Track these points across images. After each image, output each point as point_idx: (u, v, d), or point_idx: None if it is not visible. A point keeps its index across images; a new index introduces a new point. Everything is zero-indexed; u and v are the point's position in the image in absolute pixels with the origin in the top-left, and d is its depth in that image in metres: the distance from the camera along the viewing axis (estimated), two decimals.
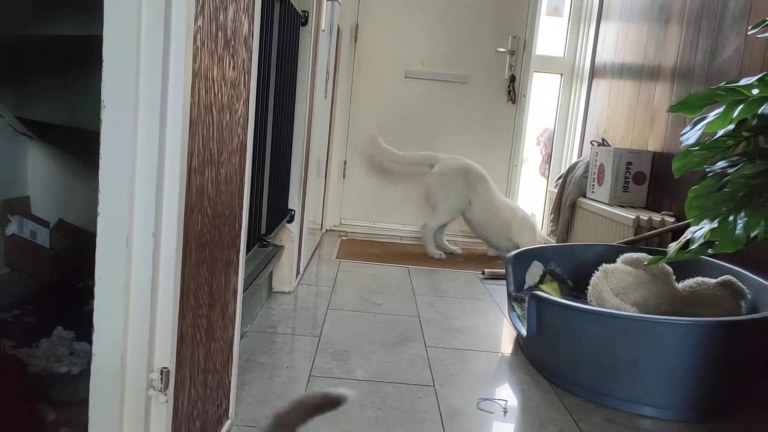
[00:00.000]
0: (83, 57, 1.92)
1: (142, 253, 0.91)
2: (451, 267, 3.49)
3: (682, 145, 1.53)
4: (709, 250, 1.46)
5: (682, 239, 1.47)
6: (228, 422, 1.48)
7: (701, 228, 1.42)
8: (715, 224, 1.38)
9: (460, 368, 2.00)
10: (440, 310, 2.64)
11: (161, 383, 0.96)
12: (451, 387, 1.85)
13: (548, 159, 4.49)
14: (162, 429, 0.98)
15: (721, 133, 1.44)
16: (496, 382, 1.93)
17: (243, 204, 1.43)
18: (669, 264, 2.13)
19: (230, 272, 1.38)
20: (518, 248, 3.26)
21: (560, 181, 3.78)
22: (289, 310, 2.46)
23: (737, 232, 1.33)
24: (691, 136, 1.51)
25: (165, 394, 0.97)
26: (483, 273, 3.33)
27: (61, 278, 2.35)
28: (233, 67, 1.23)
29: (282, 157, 2.45)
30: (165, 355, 0.97)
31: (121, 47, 0.86)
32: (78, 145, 2.48)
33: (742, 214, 1.36)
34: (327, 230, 4.28)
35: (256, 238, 2.09)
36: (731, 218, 1.37)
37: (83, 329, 1.74)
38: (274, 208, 2.36)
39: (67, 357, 1.70)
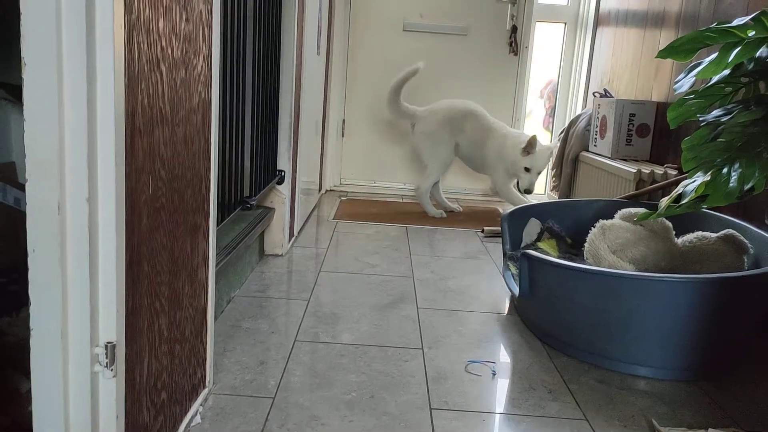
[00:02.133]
0: None
1: (76, 220, 0.85)
2: (450, 225, 3.43)
3: (676, 93, 1.44)
4: (703, 205, 1.39)
5: (674, 193, 1.39)
6: (205, 391, 1.45)
7: (693, 181, 1.34)
8: (707, 177, 1.30)
9: (451, 330, 1.95)
10: (436, 270, 2.58)
11: (107, 358, 0.91)
12: (440, 349, 1.80)
13: (552, 112, 4.37)
14: (111, 405, 0.93)
15: (716, 79, 1.35)
16: (487, 344, 1.88)
17: (210, 166, 1.37)
18: (667, 219, 2.06)
19: (197, 237, 1.32)
20: (513, 174, 3.42)
21: (562, 134, 3.68)
22: (281, 273, 2.42)
23: (731, 184, 1.25)
24: (684, 83, 1.42)
25: (112, 370, 0.92)
26: (482, 231, 3.27)
27: None
28: (186, 20, 1.15)
29: (267, 116, 2.37)
30: (110, 328, 0.91)
31: None
32: None
33: (737, 165, 1.27)
34: (326, 190, 4.22)
35: (237, 201, 2.03)
36: (725, 170, 1.28)
37: None
38: (259, 170, 2.29)
39: None
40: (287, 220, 2.66)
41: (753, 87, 1.48)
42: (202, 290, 1.39)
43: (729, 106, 1.37)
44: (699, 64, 1.40)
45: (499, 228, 3.16)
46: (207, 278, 1.41)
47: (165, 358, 1.18)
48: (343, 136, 4.29)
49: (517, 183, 3.44)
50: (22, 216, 2.34)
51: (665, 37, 2.95)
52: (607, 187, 2.97)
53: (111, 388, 0.93)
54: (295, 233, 2.92)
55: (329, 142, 4.11)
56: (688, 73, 1.41)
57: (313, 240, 2.96)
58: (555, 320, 1.85)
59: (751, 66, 1.32)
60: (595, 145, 3.26)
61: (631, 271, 1.91)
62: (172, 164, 1.14)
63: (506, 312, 2.15)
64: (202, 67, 1.27)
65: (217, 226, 1.58)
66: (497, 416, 1.47)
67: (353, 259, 2.68)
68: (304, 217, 3.20)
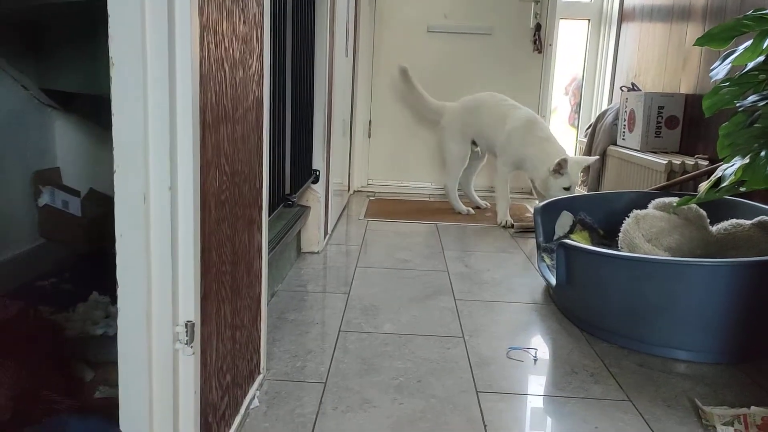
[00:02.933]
0: (98, 22, 1.92)
1: (161, 208, 0.92)
2: (479, 222, 3.47)
3: (712, 80, 1.48)
4: (741, 188, 1.42)
5: (713, 178, 1.43)
6: (260, 377, 1.51)
7: (732, 165, 1.38)
8: (746, 160, 1.34)
9: (489, 319, 2.00)
10: (469, 264, 2.63)
11: (186, 336, 0.97)
12: (481, 338, 1.85)
13: (577, 108, 4.39)
14: (190, 382, 1.00)
15: (751, 65, 1.38)
16: (526, 332, 1.93)
17: (263, 162, 1.43)
18: (700, 204, 2.09)
19: (253, 230, 1.39)
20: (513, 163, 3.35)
21: (589, 130, 3.70)
22: (318, 269, 2.48)
23: None
24: (720, 70, 1.45)
25: (191, 347, 0.98)
26: (512, 226, 3.30)
27: (95, 246, 2.40)
28: (244, 22, 1.22)
29: (303, 116, 2.44)
30: (189, 308, 0.98)
31: (126, 2, 0.85)
32: (103, 114, 2.49)
33: None
34: (354, 191, 4.28)
35: (280, 198, 2.09)
36: (762, 153, 1.32)
37: None
38: (297, 169, 2.36)
39: (103, 319, 1.74)
40: (323, 218, 2.72)
41: None
42: (257, 280, 1.45)
43: (765, 92, 1.41)
44: (734, 51, 1.44)
45: (529, 223, 3.20)
46: (261, 269, 1.48)
47: (229, 342, 1.24)
48: (369, 136, 4.35)
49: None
50: (69, 218, 2.43)
51: (692, 31, 2.98)
52: (637, 179, 3.00)
53: (190, 365, 0.99)
54: (330, 231, 2.98)
55: (356, 143, 4.18)
56: (724, 60, 1.45)
57: (347, 238, 3.02)
58: (593, 307, 1.89)
59: None
60: (623, 139, 3.29)
61: (667, 257, 1.94)
62: (233, 160, 1.20)
63: (543, 302, 2.19)
64: (256, 66, 1.34)
65: None
66: (542, 398, 1.51)
67: (387, 255, 2.73)
68: (336, 217, 3.26)
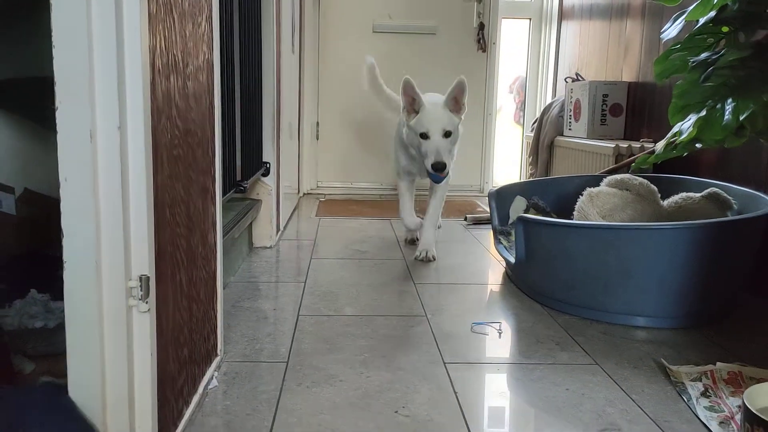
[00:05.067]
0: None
1: (109, 148, 0.85)
2: None
3: (663, 41, 1.50)
4: (697, 145, 1.44)
5: (669, 134, 1.44)
6: (218, 359, 1.43)
7: (688, 120, 1.39)
8: (702, 113, 1.35)
9: (451, 300, 1.97)
10: None
11: (141, 291, 0.90)
12: (443, 315, 1.81)
13: (522, 106, 4.46)
14: (146, 341, 0.92)
15: (703, 21, 1.40)
16: (488, 310, 1.90)
17: (215, 130, 1.37)
18: (651, 180, 2.12)
19: (207, 200, 1.32)
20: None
21: (536, 123, 3.75)
22: (272, 262, 2.40)
23: (726, 117, 1.30)
24: (671, 30, 1.47)
25: (146, 303, 0.91)
26: (465, 219, 3.30)
27: (31, 246, 2.26)
28: None
29: (253, 107, 2.37)
30: (143, 262, 0.91)
31: None
32: (38, 107, 2.36)
33: (730, 100, 1.33)
34: (304, 194, 4.21)
35: (231, 183, 2.02)
36: (719, 106, 1.33)
37: (58, 292, 1.67)
38: (248, 158, 2.29)
39: (43, 313, 1.63)
40: (274, 212, 2.65)
41: (733, 37, 1.54)
42: (212, 255, 1.38)
43: (717, 50, 1.43)
44: (683, 12, 1.46)
45: (481, 215, 3.20)
46: (216, 244, 1.41)
47: (186, 313, 1.17)
48: (317, 138, 4.30)
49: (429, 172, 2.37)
50: (2, 216, 2.28)
51: (632, 24, 3.05)
52: (586, 166, 3.04)
53: (145, 323, 0.92)
54: (282, 228, 2.91)
55: (304, 145, 4.11)
56: (674, 21, 1.46)
57: (299, 234, 2.95)
58: (554, 281, 1.89)
59: (736, 6, 1.38)
60: (570, 129, 3.34)
61: (624, 223, 1.96)
62: (186, 117, 1.14)
63: (502, 283, 2.18)
64: (205, 27, 1.28)
65: None
66: (510, 366, 1.48)
67: (342, 247, 2.68)
68: (287, 215, 3.19)
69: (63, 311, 1.58)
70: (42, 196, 2.50)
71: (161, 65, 0.99)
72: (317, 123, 4.28)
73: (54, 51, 0.82)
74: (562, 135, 3.45)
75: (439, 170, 2.25)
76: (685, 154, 1.48)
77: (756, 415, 1.07)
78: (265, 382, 1.36)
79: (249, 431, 1.16)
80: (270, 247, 2.61)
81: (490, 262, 2.46)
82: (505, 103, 4.55)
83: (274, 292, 2.05)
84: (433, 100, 2.37)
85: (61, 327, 1.32)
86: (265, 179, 2.59)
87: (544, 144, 3.56)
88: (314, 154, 4.29)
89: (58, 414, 0.88)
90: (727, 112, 1.29)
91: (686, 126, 1.36)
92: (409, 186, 2.64)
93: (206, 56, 1.29)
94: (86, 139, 0.83)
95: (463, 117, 2.36)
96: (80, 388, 0.90)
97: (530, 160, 3.81)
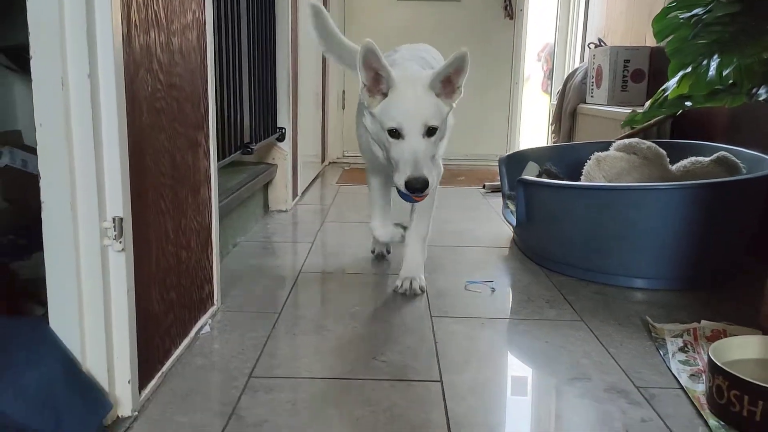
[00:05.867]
0: None
1: (80, 95, 0.90)
2: (451, 185, 3.47)
3: None
4: (687, 103, 1.43)
5: (658, 93, 1.44)
6: (213, 308, 1.50)
7: (675, 77, 1.38)
8: (688, 70, 1.34)
9: (450, 260, 2.00)
10: (437, 217, 2.62)
11: (115, 231, 0.96)
12: (439, 274, 1.85)
13: (550, 75, 4.40)
14: (122, 279, 0.99)
15: None
16: (486, 270, 1.93)
17: (208, 87, 1.42)
18: (660, 144, 2.10)
19: (198, 153, 1.38)
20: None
21: (560, 90, 3.71)
22: (285, 225, 2.47)
23: (710, 73, 1.30)
24: None
25: (120, 242, 0.97)
26: (484, 187, 3.31)
27: None
28: None
29: (265, 72, 2.42)
30: (116, 204, 0.97)
31: None
32: None
33: (716, 56, 1.31)
34: (330, 162, 4.26)
35: (237, 145, 2.08)
36: (704, 62, 1.32)
37: None
38: (259, 122, 2.34)
39: None
40: (290, 177, 2.71)
41: None
42: (205, 208, 1.44)
43: (708, 6, 1.41)
44: None
45: (498, 183, 3.20)
46: (210, 198, 1.47)
47: (172, 258, 1.23)
48: (343, 108, 4.34)
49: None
50: (29, 176, 2.40)
51: None
52: (606, 134, 3.00)
53: (120, 262, 0.98)
54: (299, 193, 2.97)
55: (330, 115, 4.16)
56: None
57: (317, 199, 3.02)
58: (552, 242, 1.90)
59: None
60: (591, 96, 3.29)
61: (622, 184, 1.95)
62: (170, 71, 1.19)
63: (506, 246, 2.20)
64: None
65: (218, 161, 1.62)
66: (496, 320, 1.52)
67: (355, 212, 2.72)
68: (307, 181, 3.25)
69: None
70: None
71: (138, 20, 1.04)
72: (343, 92, 4.31)
73: (27, 3, 0.88)
74: (584, 102, 3.41)
75: (416, 190, 1.41)
76: (678, 112, 1.47)
77: (719, 367, 1.08)
78: (255, 329, 1.42)
79: (231, 371, 1.22)
80: (285, 211, 2.67)
81: (499, 228, 2.47)
82: (533, 71, 4.49)
83: (281, 251, 2.11)
84: (411, 74, 1.55)
85: None
86: (280, 144, 2.65)
87: (566, 111, 3.52)
88: (340, 123, 4.33)
89: (39, 343, 0.95)
90: (711, 68, 1.28)
91: (672, 83, 1.36)
92: (384, 182, 1.89)
93: (196, 15, 1.33)
94: (58, 86, 0.89)
95: (455, 104, 1.53)
96: (59, 320, 0.97)
97: (553, 128, 3.78)
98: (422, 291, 1.69)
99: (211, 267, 1.49)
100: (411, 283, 1.68)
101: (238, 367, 1.24)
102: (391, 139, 1.47)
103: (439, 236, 2.29)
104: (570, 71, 4.00)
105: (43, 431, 0.88)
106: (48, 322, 0.98)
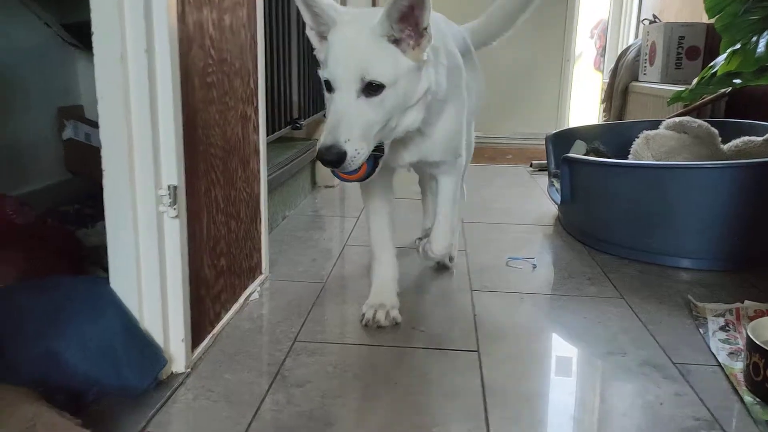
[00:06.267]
0: None
1: (138, 70, 0.96)
2: (498, 163, 3.47)
3: None
4: (736, 81, 1.41)
5: (705, 70, 1.42)
6: (262, 276, 1.57)
7: (724, 54, 1.36)
8: (737, 46, 1.32)
9: (493, 237, 2.02)
10: (482, 194, 2.64)
11: (170, 198, 1.03)
12: (482, 250, 1.87)
13: (603, 52, 4.31)
14: (176, 243, 1.05)
15: None
16: (529, 247, 1.94)
17: (258, 64, 1.47)
18: (712, 123, 2.06)
19: (248, 127, 1.43)
20: None
21: (612, 68, 3.64)
22: (332, 200, 2.52)
23: (759, 50, 1.27)
24: None
25: (175, 209, 1.03)
26: (531, 165, 3.29)
27: None
28: None
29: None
30: (171, 173, 1.03)
31: None
32: None
33: (766, 33, 1.29)
34: None
35: (287, 121, 2.14)
36: (754, 39, 1.30)
37: None
38: (308, 97, 2.39)
39: None
40: None
41: None
42: (254, 179, 1.50)
43: None
44: None
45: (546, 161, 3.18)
46: (259, 171, 1.53)
47: (223, 228, 1.30)
48: None
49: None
50: (92, 150, 2.51)
51: None
52: (658, 113, 2.94)
53: (175, 228, 1.05)
54: None
55: None
56: None
57: None
58: (596, 220, 1.90)
59: None
60: (644, 74, 3.23)
61: (668, 162, 1.93)
62: (221, 47, 1.24)
63: (550, 224, 2.20)
64: None
65: (267, 135, 1.68)
66: (535, 295, 1.54)
67: (404, 188, 2.74)
68: None
69: None
70: None
71: None
72: None
73: None
74: (636, 80, 3.34)
75: (329, 161, 1.07)
76: (727, 90, 1.45)
77: (756, 344, 1.08)
78: (301, 297, 1.48)
79: (277, 335, 1.28)
80: (333, 186, 2.73)
81: (544, 206, 2.47)
82: (585, 48, 4.41)
83: (328, 225, 2.17)
84: (357, 12, 1.23)
85: None
86: None
87: (618, 89, 3.46)
88: None
89: (101, 301, 1.03)
90: (761, 45, 1.26)
91: (720, 59, 1.34)
92: (384, 189, 1.58)
93: None
94: (117, 61, 0.95)
95: (425, 55, 1.13)
96: (119, 280, 1.04)
97: (604, 106, 3.71)
98: (387, 323, 1.33)
99: (260, 237, 1.56)
100: (375, 313, 1.35)
101: (283, 332, 1.30)
102: (327, 95, 1.15)
103: (484, 213, 2.31)
104: (623, 48, 3.92)
105: (104, 381, 0.95)
106: (109, 283, 1.05)
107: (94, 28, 0.94)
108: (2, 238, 1.49)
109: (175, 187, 1.03)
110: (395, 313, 1.36)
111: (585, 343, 1.30)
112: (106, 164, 0.99)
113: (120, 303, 1.03)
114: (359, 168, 1.12)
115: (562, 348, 1.33)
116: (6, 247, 1.42)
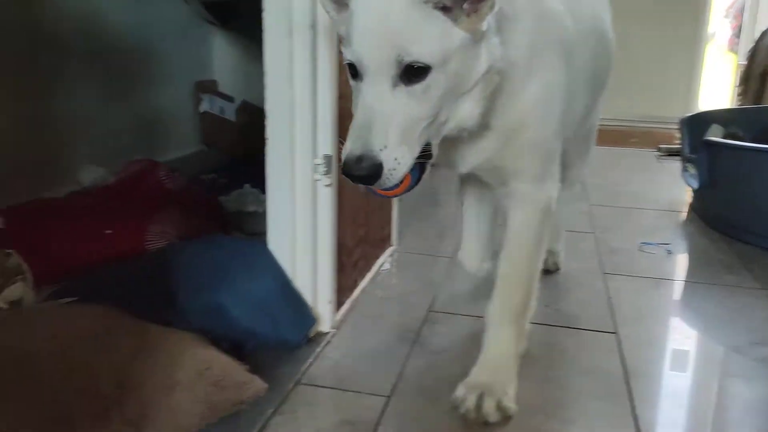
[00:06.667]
0: None
1: (303, 44, 1.02)
2: (623, 146, 3.35)
3: None
4: None
5: None
6: (391, 248, 1.62)
7: None
8: None
9: (623, 221, 1.97)
10: (608, 177, 2.57)
11: (324, 167, 1.08)
12: (612, 233, 1.83)
13: (738, 32, 4.04)
14: (328, 210, 1.11)
15: None
16: (661, 232, 1.87)
17: None
18: None
19: None
20: None
21: (750, 49, 3.41)
22: (454, 179, 2.54)
23: None
24: None
25: (329, 178, 1.09)
26: (659, 150, 3.16)
27: (247, 152, 2.62)
28: None
29: None
30: (327, 143, 1.08)
31: None
32: (251, 29, 2.68)
33: None
34: None
35: None
36: None
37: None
38: None
39: (255, 202, 1.93)
40: None
41: None
42: None
43: None
44: None
45: (674, 146, 3.05)
46: None
47: (362, 198, 1.35)
48: None
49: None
50: (225, 122, 2.64)
51: None
52: None
53: (328, 196, 1.10)
54: None
55: None
56: None
57: None
58: (736, 208, 1.81)
59: None
60: None
61: None
62: None
63: (682, 211, 2.11)
64: None
65: None
66: (670, 282, 1.50)
67: None
68: None
69: None
70: (256, 107, 2.87)
71: None
72: None
73: None
74: None
75: (359, 176, 0.79)
76: None
77: None
78: (429, 270, 1.52)
79: (411, 304, 1.33)
80: None
81: (675, 191, 2.37)
82: (719, 28, 4.15)
83: (451, 202, 2.19)
84: None
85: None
86: None
87: (756, 73, 3.24)
88: None
89: (260, 261, 1.10)
90: None
91: None
92: (475, 191, 1.39)
93: None
94: (286, 35, 1.01)
95: (486, 24, 0.82)
96: (276, 243, 1.11)
97: (740, 90, 3.49)
98: (496, 418, 0.94)
99: (391, 209, 1.60)
100: (480, 399, 0.96)
101: (416, 302, 1.34)
102: (354, 83, 0.86)
103: (612, 197, 2.26)
104: (762, 30, 3.66)
105: (263, 333, 1.03)
106: (267, 244, 1.12)
107: (264, 4, 1.00)
108: (157, 202, 1.63)
109: (330, 157, 1.08)
110: (508, 402, 0.95)
111: (725, 331, 1.25)
112: (270, 132, 1.06)
113: (277, 264, 1.10)
114: (401, 181, 0.82)
115: (701, 335, 1.29)
116: (162, 209, 1.54)
